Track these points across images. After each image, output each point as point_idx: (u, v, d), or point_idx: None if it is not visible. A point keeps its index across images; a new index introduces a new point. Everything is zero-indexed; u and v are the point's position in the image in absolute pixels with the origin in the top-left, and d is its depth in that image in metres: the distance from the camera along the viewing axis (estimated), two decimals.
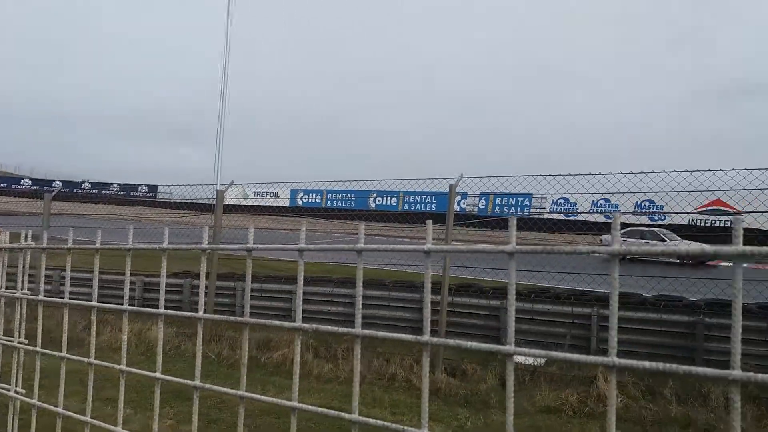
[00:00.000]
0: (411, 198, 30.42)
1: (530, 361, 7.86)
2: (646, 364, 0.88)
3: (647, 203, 18.14)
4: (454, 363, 7.97)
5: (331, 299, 10.61)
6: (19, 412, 1.75)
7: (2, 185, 61.69)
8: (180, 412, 6.01)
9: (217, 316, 1.46)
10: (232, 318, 1.39)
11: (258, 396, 1.27)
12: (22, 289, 1.76)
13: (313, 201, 31.41)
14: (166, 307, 1.47)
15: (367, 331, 1.14)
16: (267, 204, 30.15)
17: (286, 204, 31.73)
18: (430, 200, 29.38)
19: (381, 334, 1.16)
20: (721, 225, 18.26)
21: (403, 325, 9.97)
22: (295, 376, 1.20)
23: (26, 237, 1.79)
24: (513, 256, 1.02)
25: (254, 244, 1.37)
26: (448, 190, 8.91)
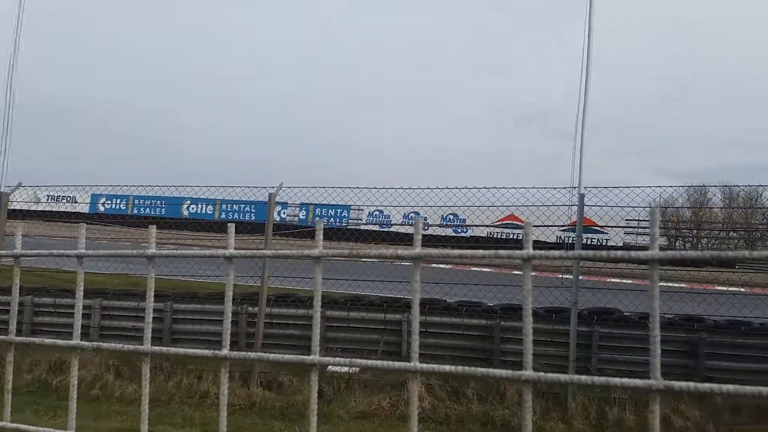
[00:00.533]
0: (229, 206, 29.52)
1: (345, 369, 8.04)
2: (446, 367, 0.97)
3: (452, 216, 19.64)
4: (270, 376, 7.87)
5: (137, 314, 9.88)
6: None
7: None
8: None
9: None
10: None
11: (24, 426, 1.15)
12: None
13: (118, 207, 28.95)
14: None
15: (156, 348, 1.09)
16: (63, 210, 27.20)
17: (86, 210, 28.93)
18: (249, 209, 28.76)
19: (173, 350, 1.12)
20: (515, 237, 20.41)
21: (217, 339, 9.59)
22: (72, 402, 1.10)
23: None
24: (319, 261, 1.05)
25: (26, 250, 1.24)
26: (267, 199, 8.82)
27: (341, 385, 7.61)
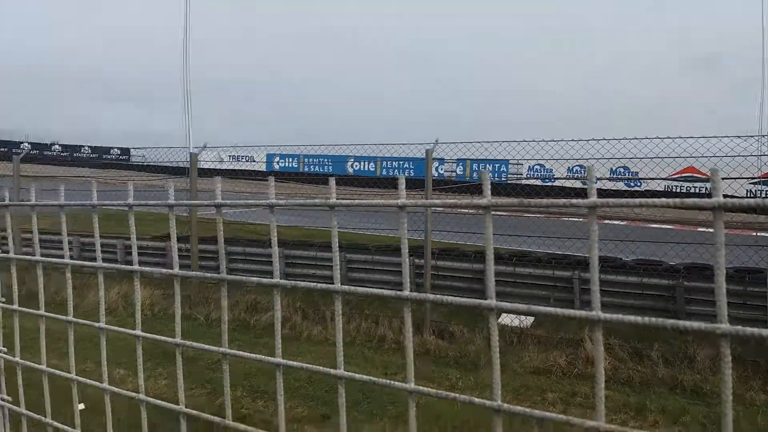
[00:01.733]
0: (389, 163, 30.34)
1: (516, 323, 8.04)
2: (631, 318, 0.90)
3: (622, 169, 18.40)
4: (441, 325, 8.11)
5: (315, 263, 10.64)
6: (4, 372, 1.74)
7: None
8: (174, 372, 6.03)
9: (192, 273, 1.47)
10: (208, 275, 1.40)
11: (241, 353, 1.29)
12: None
13: (290, 166, 31.08)
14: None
15: (346, 287, 1.16)
16: (243, 168, 29.78)
17: (263, 168, 31.39)
18: (408, 166, 29.35)
19: (361, 289, 1.18)
20: (696, 191, 18.69)
21: (388, 288, 10.06)
22: (277, 334, 1.21)
23: (7, 196, 1.76)
24: (489, 210, 1.02)
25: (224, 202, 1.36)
26: (424, 155, 8.90)
27: (513, 339, 7.63)
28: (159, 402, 1.29)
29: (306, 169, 28.45)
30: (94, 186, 1.49)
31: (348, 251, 10.70)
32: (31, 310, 1.53)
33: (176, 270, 1.32)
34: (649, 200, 0.97)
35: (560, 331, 7.54)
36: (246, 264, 11.10)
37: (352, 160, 29.04)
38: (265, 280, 1.28)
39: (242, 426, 1.22)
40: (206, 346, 1.30)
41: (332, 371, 1.10)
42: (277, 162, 32.08)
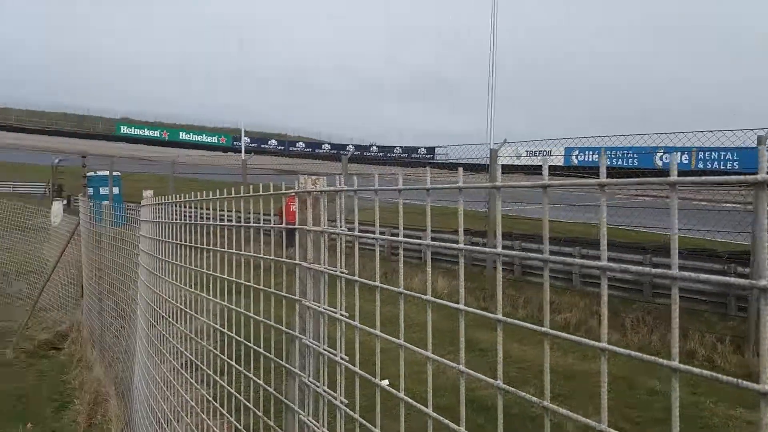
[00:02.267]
0: (706, 155, 26.78)
1: None
2: None
3: None
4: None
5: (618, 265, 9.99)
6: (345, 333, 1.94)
7: (308, 149, 71.87)
8: (469, 360, 6.33)
9: (514, 253, 1.39)
10: (531, 255, 1.31)
11: (620, 350, 1.17)
12: (340, 227, 1.96)
13: (590, 159, 29.73)
14: (450, 262, 1.44)
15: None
16: (540, 164, 29.49)
17: (560, 163, 30.69)
18: (730, 157, 25.49)
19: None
20: None
21: (703, 299, 8.89)
22: (604, 318, 1.05)
23: (340, 182, 1.99)
24: None
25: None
26: (756, 143, 7.53)
27: None
28: (519, 393, 1.34)
29: (608, 163, 26.83)
30: (401, 177, 1.61)
31: (654, 254, 9.81)
32: (369, 281, 1.71)
33: (460, 244, 1.36)
34: None
35: None
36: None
37: (662, 151, 26.40)
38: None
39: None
40: (584, 340, 1.30)
41: (664, 362, 0.95)
42: (576, 155, 30.98)
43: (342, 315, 1.88)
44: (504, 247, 8.24)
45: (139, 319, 4.30)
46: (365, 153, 61.08)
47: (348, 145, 69.16)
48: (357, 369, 1.70)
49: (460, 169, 1.54)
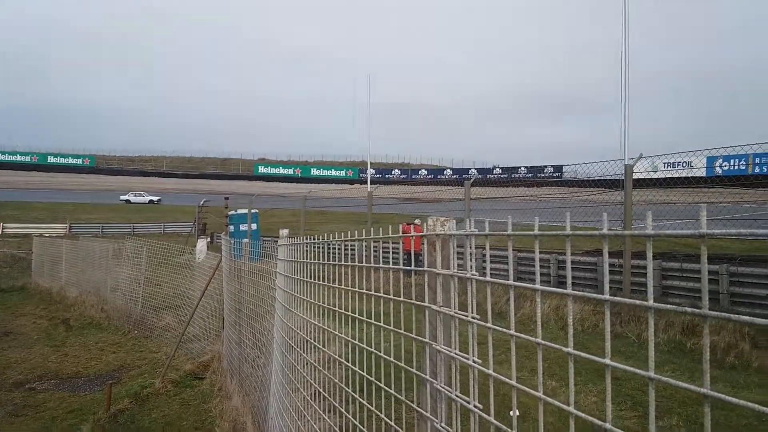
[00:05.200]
0: None
1: None
2: None
3: None
4: None
5: None
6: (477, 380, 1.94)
7: (430, 176, 72.43)
8: (603, 390, 6.02)
9: (622, 300, 1.34)
10: (637, 302, 1.26)
11: (668, 379, 1.12)
12: (471, 271, 1.96)
13: (737, 168, 27.12)
14: (580, 285, 1.42)
15: None
16: (678, 176, 27.46)
17: (702, 174, 28.34)
18: None
19: None
20: None
21: None
22: (706, 363, 1.00)
23: (469, 224, 1.98)
24: None
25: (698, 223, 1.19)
26: None
27: None
28: (587, 417, 1.34)
29: (756, 171, 24.36)
30: (537, 221, 1.63)
31: None
32: (503, 329, 1.74)
33: (606, 296, 1.36)
34: None
35: None
36: (682, 281, 10.21)
37: None
38: (689, 310, 1.18)
39: None
40: (631, 368, 1.28)
41: None
42: (720, 165, 28.45)
43: (475, 361, 1.87)
44: (643, 268, 7.68)
45: (275, 351, 4.58)
46: (488, 176, 60.40)
47: (470, 169, 68.76)
48: (492, 419, 1.71)
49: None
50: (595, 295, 1.43)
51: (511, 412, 1.70)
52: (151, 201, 53.68)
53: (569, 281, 1.51)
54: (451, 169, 74.83)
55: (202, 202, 27.96)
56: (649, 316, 1.31)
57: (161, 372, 8.75)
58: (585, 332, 8.41)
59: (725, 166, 28.48)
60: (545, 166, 59.07)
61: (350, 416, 2.66)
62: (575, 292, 1.47)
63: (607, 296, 1.35)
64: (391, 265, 2.60)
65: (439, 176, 71.13)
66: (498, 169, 65.19)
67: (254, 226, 23.62)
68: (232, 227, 22.58)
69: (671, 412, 5.55)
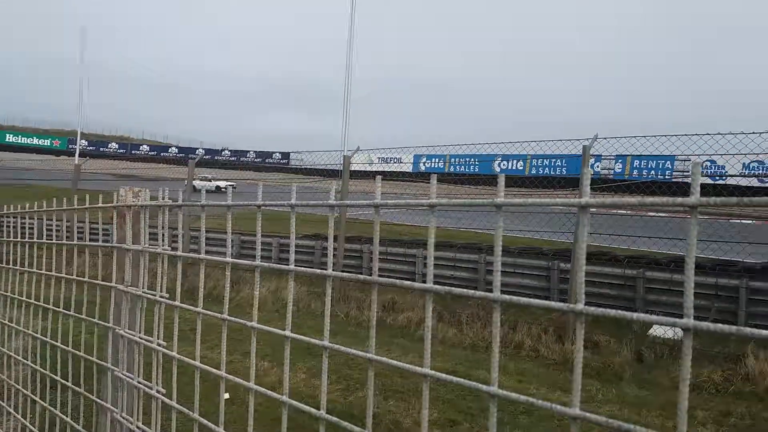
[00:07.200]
0: (539, 162, 29.27)
1: (670, 334, 7.36)
2: None
3: None
4: (585, 335, 7.65)
5: (454, 264, 10.57)
6: (162, 363, 1.85)
7: (153, 153, 67.87)
8: (312, 366, 6.34)
9: (345, 274, 1.44)
10: (361, 276, 1.36)
11: (386, 360, 1.24)
12: (162, 246, 1.85)
13: (436, 166, 31.25)
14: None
15: (506, 296, 1.04)
16: (391, 170, 30.51)
17: (409, 169, 31.93)
18: (560, 163, 28.11)
19: (524, 300, 1.05)
20: None
21: (528, 292, 9.72)
22: (427, 342, 1.14)
23: (163, 195, 1.87)
24: (696, 210, 0.81)
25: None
26: (581, 152, 8.43)
27: (664, 352, 6.99)
28: (301, 405, 1.33)
29: (452, 170, 28.42)
30: (260, 188, 1.57)
31: (488, 252, 10.50)
32: (190, 307, 1.63)
33: (330, 271, 1.34)
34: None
35: (718, 346, 6.77)
36: (387, 263, 11.34)
37: (500, 158, 28.50)
38: (417, 285, 1.24)
39: None
40: (353, 351, 1.30)
41: (484, 387, 1.01)
42: (424, 163, 32.44)
43: (159, 344, 1.77)
44: (353, 251, 8.30)
45: None
46: (216, 157, 59.01)
47: (198, 149, 66.28)
48: (174, 403, 1.62)
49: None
50: (317, 271, 1.45)
51: (224, 396, 1.65)
52: None
53: (292, 257, 1.51)
54: (177, 147, 71.06)
55: None
56: (327, 284, 1.37)
57: None
58: (300, 312, 8.77)
59: (428, 163, 32.51)
60: (274, 152, 59.97)
61: (20, 417, 2.33)
62: (297, 267, 1.47)
63: (330, 271, 1.38)
64: (75, 242, 2.32)
65: (162, 154, 66.97)
66: (227, 152, 64.06)
67: None
68: None
69: (366, 383, 6.11)
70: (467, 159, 27.65)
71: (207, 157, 52.41)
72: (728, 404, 5.81)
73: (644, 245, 10.52)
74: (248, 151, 63.60)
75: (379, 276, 1.32)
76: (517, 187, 17.70)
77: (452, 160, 28.59)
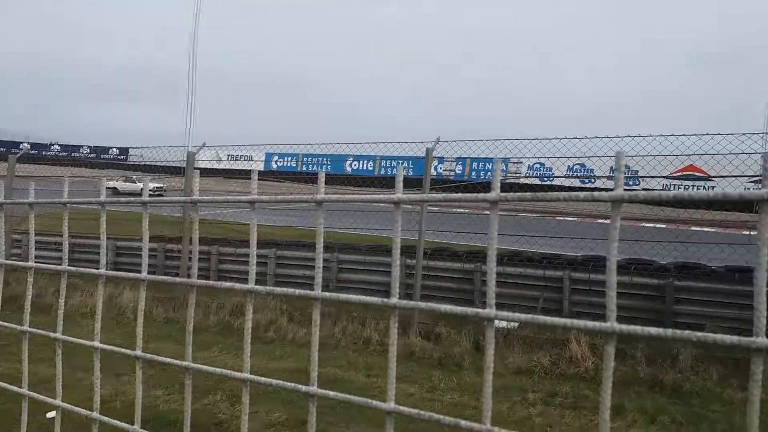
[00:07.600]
0: (387, 162, 30.22)
1: (504, 324, 7.96)
2: (652, 330, 0.80)
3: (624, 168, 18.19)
4: (428, 327, 8.03)
5: (306, 263, 10.56)
6: None
7: None
8: (152, 376, 6.01)
9: (161, 278, 1.38)
10: (178, 279, 1.31)
11: (205, 367, 1.21)
12: None
13: (289, 165, 30.99)
14: (140, 272, 1.37)
15: (327, 294, 1.06)
16: (241, 168, 29.75)
17: (261, 168, 31.35)
18: (406, 165, 29.23)
19: (344, 296, 1.09)
20: (694, 188, 18.51)
21: (378, 288, 10.00)
22: (246, 346, 1.13)
23: None
24: (496, 205, 0.89)
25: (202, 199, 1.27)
26: (425, 154, 8.83)
27: (499, 340, 7.56)
28: (113, 421, 1.22)
29: (304, 169, 28.39)
30: (66, 183, 1.41)
31: (340, 251, 10.63)
32: (13, 325, 1.46)
33: (144, 275, 1.25)
34: (679, 193, 0.87)
35: (546, 332, 7.47)
36: (237, 265, 11.03)
37: (351, 159, 29.00)
38: (238, 286, 1.18)
39: None
40: (168, 360, 1.21)
41: (303, 388, 1.00)
42: (276, 161, 32.03)
43: None
44: (201, 253, 7.93)
45: None
46: (45, 152, 53.50)
47: (23, 143, 59.62)
48: None
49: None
50: (129, 275, 1.35)
51: (48, 414, 1.50)
52: None
53: (145, 262, 1.39)
54: None
55: None
56: (141, 289, 1.30)
57: None
58: (136, 319, 8.24)
59: (280, 162, 32.13)
60: (110, 147, 55.65)
61: None
62: (150, 276, 1.36)
63: (145, 274, 1.29)
64: None
65: None
66: (57, 146, 58.30)
67: None
68: None
69: (215, 389, 5.92)
70: (320, 159, 27.78)
71: (33, 152, 47.34)
72: (555, 385, 6.42)
73: (480, 241, 11.29)
74: (81, 146, 58.42)
75: (231, 277, 1.28)
76: (366, 186, 18.11)
77: (305, 159, 28.55)
